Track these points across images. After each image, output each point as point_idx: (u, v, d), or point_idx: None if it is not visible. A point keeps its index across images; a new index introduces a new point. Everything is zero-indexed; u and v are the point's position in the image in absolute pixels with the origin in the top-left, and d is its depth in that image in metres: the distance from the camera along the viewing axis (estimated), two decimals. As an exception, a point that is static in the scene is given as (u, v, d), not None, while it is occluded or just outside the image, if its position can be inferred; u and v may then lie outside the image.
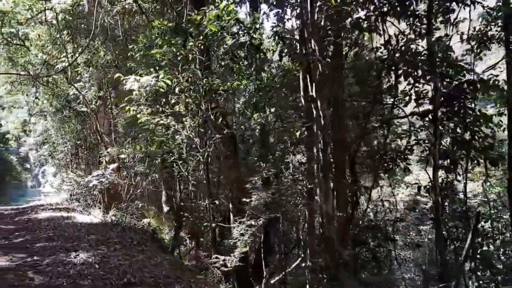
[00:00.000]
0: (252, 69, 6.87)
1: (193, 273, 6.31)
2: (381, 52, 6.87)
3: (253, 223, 6.27)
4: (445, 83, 6.61)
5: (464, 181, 7.01)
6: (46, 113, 20.91)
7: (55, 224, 9.75)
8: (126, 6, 8.98)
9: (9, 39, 14.79)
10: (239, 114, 7.69)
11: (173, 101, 6.94)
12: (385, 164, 6.95)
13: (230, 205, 7.21)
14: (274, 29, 6.32)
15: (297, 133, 5.19)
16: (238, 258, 6.18)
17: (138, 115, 6.82)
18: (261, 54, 6.28)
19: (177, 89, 6.79)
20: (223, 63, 7.30)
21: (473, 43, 7.55)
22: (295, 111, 6.86)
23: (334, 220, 5.35)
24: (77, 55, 11.87)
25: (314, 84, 5.40)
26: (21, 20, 13.91)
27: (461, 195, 7.99)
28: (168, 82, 6.91)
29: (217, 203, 7.54)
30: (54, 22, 13.24)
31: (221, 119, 7.07)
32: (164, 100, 7.61)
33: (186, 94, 6.97)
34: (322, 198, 5.23)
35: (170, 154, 7.09)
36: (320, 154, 5.31)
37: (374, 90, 7.08)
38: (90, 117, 15.68)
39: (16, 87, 18.64)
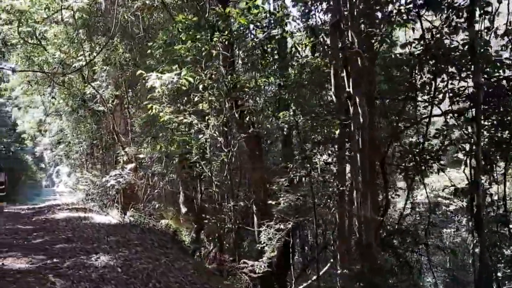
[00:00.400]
0: (279, 64, 6.58)
1: (218, 278, 6.04)
2: (415, 47, 6.52)
3: (282, 226, 5.99)
4: (482, 79, 6.23)
5: (504, 183, 6.62)
6: (62, 113, 20.92)
7: (73, 224, 9.59)
8: (147, 2, 8.76)
9: (26, 38, 14.77)
10: (262, 112, 7.38)
11: (196, 99, 6.68)
12: (418, 165, 6.60)
13: (254, 207, 6.93)
14: (307, 23, 6.02)
15: (337, 131, 4.88)
16: (267, 263, 5.90)
17: (161, 114, 6.58)
18: (293, 48, 5.98)
19: (200, 87, 6.54)
20: (246, 60, 7.01)
21: (510, 37, 7.15)
22: (323, 109, 6.54)
23: (372, 224, 5.05)
24: (94, 53, 11.71)
25: (351, 80, 5.08)
26: (38, 19, 13.85)
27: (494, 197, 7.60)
28: (191, 79, 6.66)
29: (242, 204, 7.26)
30: (71, 21, 13.18)
31: (245, 117, 6.80)
32: (186, 98, 7.37)
33: (210, 92, 6.71)
34: (359, 201, 4.92)
35: (193, 154, 6.82)
36: (357, 155, 4.99)
37: (406, 87, 6.73)
38: (107, 116, 15.57)
39: (33, 86, 18.63)
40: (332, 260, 6.96)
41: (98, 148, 18.09)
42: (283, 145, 8.71)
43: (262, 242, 6.10)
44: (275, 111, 7.25)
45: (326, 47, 5.73)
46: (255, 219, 7.03)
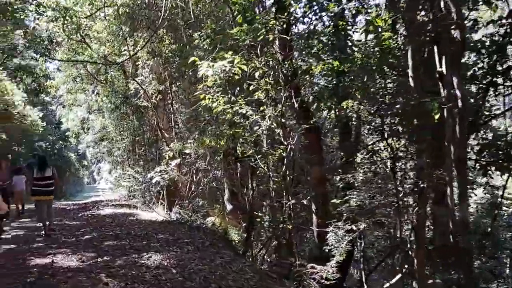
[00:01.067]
0: (341, 47, 5.95)
1: (282, 283, 5.50)
2: (501, 26, 5.71)
3: (353, 227, 5.35)
4: None
5: None
6: (104, 110, 21.13)
7: (120, 221, 9.37)
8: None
9: (70, 35, 14.86)
10: (320, 102, 6.75)
11: (251, 87, 6.17)
12: (504, 160, 5.78)
13: (313, 206, 6.34)
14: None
15: (436, 116, 4.19)
16: (336, 268, 5.29)
17: (214, 104, 6.11)
18: (371, 23, 5.28)
19: (256, 74, 6.01)
20: (306, 44, 6.41)
21: None
22: (393, 96, 5.84)
23: (469, 227, 4.35)
24: (139, 47, 11.50)
25: (445, 57, 4.36)
26: (82, 16, 13.88)
27: None
28: (244, 67, 6.16)
29: (299, 202, 6.69)
30: (115, 16, 13.09)
31: (305, 107, 6.22)
32: (238, 87, 6.88)
33: (266, 80, 6.17)
34: (452, 201, 4.22)
35: (248, 148, 6.31)
36: (451, 145, 4.27)
37: (487, 72, 5.92)
38: (149, 112, 15.43)
39: (78, 82, 18.86)
40: (406, 266, 6.24)
41: (141, 145, 18.04)
42: (341, 138, 8.03)
43: (330, 244, 5.50)
44: (334, 100, 6.59)
45: (407, 21, 5.01)
46: (314, 218, 6.44)
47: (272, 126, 5.98)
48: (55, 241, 7.29)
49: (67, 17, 13.01)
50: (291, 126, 6.22)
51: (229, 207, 11.01)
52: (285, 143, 5.95)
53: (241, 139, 6.36)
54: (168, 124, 14.14)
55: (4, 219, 7.54)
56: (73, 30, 14.30)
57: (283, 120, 6.08)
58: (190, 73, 9.44)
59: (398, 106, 5.54)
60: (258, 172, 7.27)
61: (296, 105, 6.06)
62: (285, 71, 6.33)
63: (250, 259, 7.61)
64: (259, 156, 6.12)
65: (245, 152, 6.16)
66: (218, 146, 7.80)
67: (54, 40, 15.69)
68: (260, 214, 7.00)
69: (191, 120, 11.60)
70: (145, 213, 11.19)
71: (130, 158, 19.59)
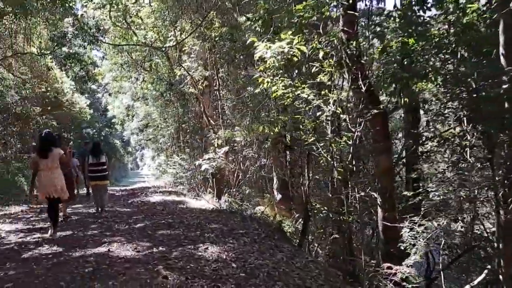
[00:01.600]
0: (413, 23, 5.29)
1: (353, 283, 5.08)
2: None
3: (435, 223, 4.81)
4: None
5: None
6: (149, 98, 21.31)
7: (170, 209, 9.24)
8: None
9: (117, 22, 14.88)
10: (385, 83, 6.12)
11: (313, 70, 5.67)
12: None
13: (379, 199, 5.80)
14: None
15: None
16: (412, 268, 4.79)
17: (273, 88, 5.67)
18: None
19: (320, 54, 5.49)
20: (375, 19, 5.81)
21: None
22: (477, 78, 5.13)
23: None
24: (186, 32, 11.24)
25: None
26: (128, 2, 13.81)
27: None
28: (303, 48, 5.65)
29: (363, 194, 6.16)
30: (161, 0, 12.89)
31: (372, 91, 5.65)
32: (297, 70, 6.39)
33: (330, 61, 5.65)
34: None
35: (310, 136, 5.84)
36: None
37: None
38: (195, 99, 15.27)
39: (123, 70, 19.03)
40: (489, 266, 5.61)
41: (185, 132, 18.03)
42: (410, 125, 7.37)
43: (405, 241, 4.98)
44: (405, 82, 5.94)
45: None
46: (379, 212, 5.91)
47: (337, 111, 5.48)
48: (108, 229, 7.22)
49: (113, 4, 12.97)
50: (357, 111, 5.66)
51: (278, 196, 10.64)
52: (353, 130, 5.42)
53: (300, 126, 5.89)
54: (214, 111, 13.91)
55: (69, 203, 7.86)
56: (119, 17, 14.30)
57: (349, 105, 5.56)
58: (241, 57, 9.05)
59: (483, 88, 4.86)
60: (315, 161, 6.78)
61: (362, 89, 5.50)
62: (349, 52, 5.76)
63: (308, 252, 7.21)
64: (321, 144, 5.65)
65: (299, 139, 5.70)
66: (272, 133, 7.38)
67: (101, 28, 15.83)
68: (318, 206, 6.53)
69: (240, 107, 11.27)
70: (194, 200, 11.05)
71: (175, 145, 19.66)
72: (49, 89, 20.08)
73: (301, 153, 8.90)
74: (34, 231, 7.13)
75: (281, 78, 5.75)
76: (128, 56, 18.36)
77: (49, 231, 6.59)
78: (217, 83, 12.29)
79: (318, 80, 5.80)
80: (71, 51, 16.87)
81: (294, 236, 7.86)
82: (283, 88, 5.72)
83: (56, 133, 7.96)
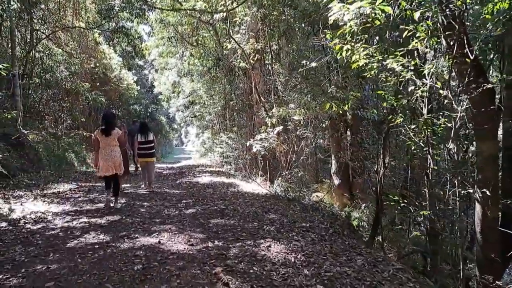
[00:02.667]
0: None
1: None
2: None
3: None
4: None
5: None
6: (195, 74, 20.64)
7: (221, 193, 8.50)
8: None
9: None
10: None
11: (404, 34, 4.51)
12: None
13: (478, 193, 4.65)
14: None
15: None
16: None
17: (354, 57, 4.59)
18: None
19: (417, 15, 4.31)
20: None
21: None
22: None
23: None
24: (238, 0, 10.21)
25: None
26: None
27: None
28: (388, 9, 4.49)
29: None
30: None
31: (477, 63, 4.42)
32: (378, 36, 5.23)
33: (428, 23, 4.46)
34: None
35: (397, 115, 4.74)
36: None
37: None
38: (244, 74, 14.33)
39: (172, 43, 18.34)
40: None
41: (232, 110, 17.24)
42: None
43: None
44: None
45: None
46: (478, 208, 4.78)
47: (436, 86, 4.33)
48: (158, 214, 6.58)
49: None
50: (461, 86, 4.47)
51: (336, 181, 9.62)
52: (457, 108, 4.26)
53: (385, 104, 4.79)
54: (265, 87, 12.93)
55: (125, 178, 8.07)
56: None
57: (451, 80, 4.39)
58: (302, 25, 7.93)
59: None
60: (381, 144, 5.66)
61: (466, 58, 4.29)
62: (450, 12, 4.53)
63: (381, 249, 6.20)
64: (413, 126, 4.54)
65: (366, 119, 4.66)
66: (340, 111, 6.31)
67: (149, 0, 15.12)
68: (395, 197, 5.47)
69: (294, 82, 10.21)
70: (244, 183, 10.27)
71: (221, 123, 18.95)
72: (97, 65, 19.92)
73: (368, 134, 7.78)
74: (81, 214, 6.62)
75: (364, 45, 4.63)
76: (175, 30, 17.62)
77: (110, 204, 6.99)
78: (270, 57, 11.24)
79: (408, 48, 4.64)
80: (118, 25, 16.35)
81: (360, 229, 6.86)
82: (366, 57, 4.62)
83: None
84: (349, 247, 5.00)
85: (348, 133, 9.40)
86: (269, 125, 9.22)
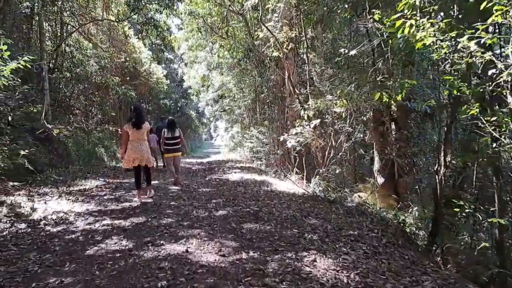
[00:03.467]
0: None
1: None
2: None
3: None
4: None
5: None
6: (224, 67, 20.01)
7: (253, 192, 7.81)
8: None
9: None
10: None
11: (483, 5, 3.60)
12: None
13: None
14: None
15: None
16: None
17: (419, 34, 3.73)
18: None
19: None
20: None
21: None
22: None
23: None
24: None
25: None
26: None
27: None
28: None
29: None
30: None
31: None
32: (442, 12, 4.32)
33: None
34: None
35: (474, 105, 3.85)
36: None
37: None
38: (277, 65, 13.54)
39: (202, 34, 17.76)
40: None
41: (263, 103, 16.49)
42: None
43: None
44: None
45: None
46: None
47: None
48: (186, 216, 5.95)
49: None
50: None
51: (380, 180, 8.71)
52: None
53: (455, 91, 3.90)
54: (298, 78, 12.09)
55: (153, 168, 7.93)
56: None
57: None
58: (346, 6, 7.06)
59: None
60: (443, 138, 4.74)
61: None
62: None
63: (440, 260, 5.32)
64: (492, 119, 3.65)
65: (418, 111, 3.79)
66: (393, 101, 5.44)
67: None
68: (460, 202, 4.58)
69: (331, 72, 9.33)
70: (277, 181, 9.54)
71: (252, 117, 18.25)
72: (127, 59, 19.64)
73: (419, 128, 6.85)
74: (105, 215, 6.10)
75: (431, 21, 3.75)
76: (204, 22, 17.02)
77: (143, 195, 7.12)
78: (305, 45, 10.38)
79: (487, 23, 3.71)
80: (147, 16, 15.88)
81: (413, 237, 5.97)
82: (434, 34, 3.73)
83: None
84: (410, 262, 4.16)
85: (393, 126, 8.46)
86: (305, 118, 8.42)
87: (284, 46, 10.52)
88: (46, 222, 5.69)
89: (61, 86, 14.84)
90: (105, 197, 7.47)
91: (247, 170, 11.37)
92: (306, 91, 10.41)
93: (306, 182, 8.95)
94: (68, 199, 7.20)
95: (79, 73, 15.29)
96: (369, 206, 6.84)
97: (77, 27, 14.07)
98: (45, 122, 8.59)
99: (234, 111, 20.32)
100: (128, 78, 19.85)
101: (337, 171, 10.03)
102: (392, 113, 7.82)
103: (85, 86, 16.01)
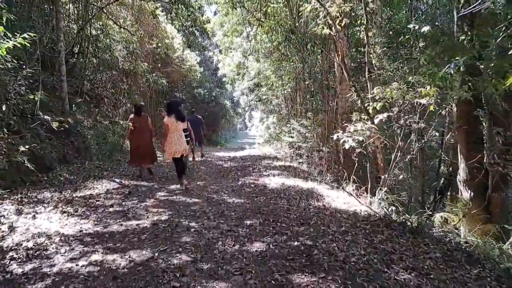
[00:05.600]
0: None
1: None
2: None
3: None
4: None
5: None
6: (261, 53, 17.94)
7: (300, 209, 5.76)
8: None
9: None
10: None
11: None
12: None
13: None
14: None
15: None
16: None
17: None
18: None
19: None
20: None
21: None
22: None
23: None
24: None
25: None
26: None
27: None
28: None
29: None
30: None
31: None
32: None
33: None
34: None
35: None
36: None
37: None
38: (325, 46, 11.31)
39: (237, 18, 15.77)
40: None
41: (304, 92, 14.30)
42: None
43: None
44: None
45: None
46: None
47: None
48: (207, 252, 4.06)
49: None
50: None
51: (465, 193, 6.43)
52: None
53: None
54: (350, 63, 9.83)
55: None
56: None
57: None
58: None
59: None
60: None
61: None
62: None
63: None
64: None
65: None
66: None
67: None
68: None
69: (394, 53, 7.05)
70: (328, 190, 7.45)
71: (292, 108, 16.09)
72: (159, 44, 18.01)
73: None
74: (100, 242, 4.32)
75: None
76: (240, 2, 14.95)
77: (180, 185, 7.26)
78: (363, 20, 8.09)
79: None
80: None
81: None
82: None
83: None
84: None
85: (486, 124, 6.13)
86: (370, 111, 6.27)
87: (337, 22, 8.30)
88: (16, 255, 3.96)
89: (87, 73, 13.36)
90: (111, 210, 5.72)
91: (288, 172, 9.33)
92: (362, 78, 8.18)
93: (366, 194, 6.82)
94: (64, 212, 5.51)
95: (106, 59, 13.78)
96: (456, 232, 4.67)
97: (101, 7, 12.44)
98: (41, 113, 6.94)
99: (271, 100, 18.23)
100: (159, 65, 18.24)
101: (400, 177, 7.82)
102: (493, 104, 5.51)
103: (113, 73, 14.47)
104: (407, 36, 8.01)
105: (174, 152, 6.98)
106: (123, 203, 6.14)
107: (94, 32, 13.22)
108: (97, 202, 6.12)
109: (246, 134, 55.48)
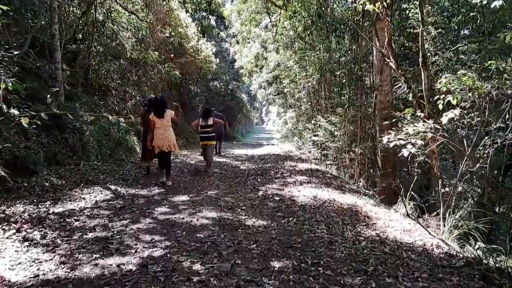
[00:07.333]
0: None
1: None
2: None
3: None
4: None
5: None
6: (282, 43, 16.20)
7: (348, 242, 4.10)
8: None
9: None
10: None
11: None
12: None
13: None
14: None
15: None
16: None
17: None
18: None
19: None
20: None
21: None
22: None
23: None
24: None
25: None
26: None
27: None
28: None
29: None
30: None
31: None
32: None
33: None
34: None
35: None
36: None
37: None
38: (360, 28, 9.52)
39: (259, 6, 14.08)
40: None
41: (330, 85, 12.54)
42: None
43: None
44: None
45: None
46: None
47: None
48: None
49: None
50: None
51: None
52: None
53: None
54: (393, 50, 8.03)
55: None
56: None
57: None
58: None
59: None
60: None
61: None
62: None
63: None
64: None
65: None
66: None
67: None
68: None
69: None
70: (376, 208, 5.76)
71: (317, 102, 14.32)
72: (173, 34, 16.48)
73: None
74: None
75: None
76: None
77: (163, 179, 7.04)
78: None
79: None
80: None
81: None
82: None
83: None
84: None
85: None
86: (440, 107, 4.57)
87: (377, 4, 6.55)
88: None
89: (92, 62, 11.94)
90: (90, 236, 4.19)
91: (317, 178, 7.67)
92: (409, 68, 6.43)
93: (424, 215, 5.12)
94: (26, 240, 4.01)
95: (113, 47, 12.34)
96: None
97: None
98: (5, 107, 5.49)
99: (293, 94, 16.49)
100: (172, 55, 16.73)
101: (460, 190, 6.09)
102: None
103: (120, 62, 13.01)
104: (471, 14, 6.21)
105: (162, 146, 6.91)
106: (110, 224, 4.62)
107: (99, 17, 11.79)
108: (76, 223, 4.61)
109: (263, 129, 53.70)
